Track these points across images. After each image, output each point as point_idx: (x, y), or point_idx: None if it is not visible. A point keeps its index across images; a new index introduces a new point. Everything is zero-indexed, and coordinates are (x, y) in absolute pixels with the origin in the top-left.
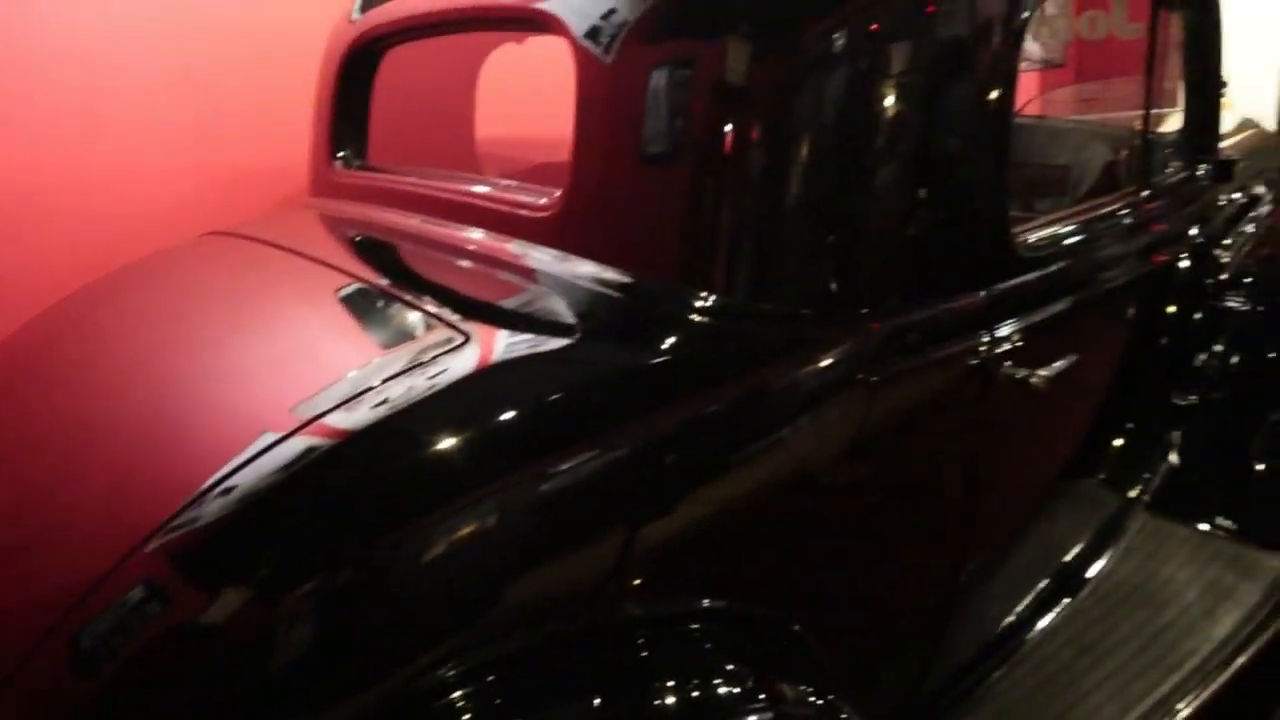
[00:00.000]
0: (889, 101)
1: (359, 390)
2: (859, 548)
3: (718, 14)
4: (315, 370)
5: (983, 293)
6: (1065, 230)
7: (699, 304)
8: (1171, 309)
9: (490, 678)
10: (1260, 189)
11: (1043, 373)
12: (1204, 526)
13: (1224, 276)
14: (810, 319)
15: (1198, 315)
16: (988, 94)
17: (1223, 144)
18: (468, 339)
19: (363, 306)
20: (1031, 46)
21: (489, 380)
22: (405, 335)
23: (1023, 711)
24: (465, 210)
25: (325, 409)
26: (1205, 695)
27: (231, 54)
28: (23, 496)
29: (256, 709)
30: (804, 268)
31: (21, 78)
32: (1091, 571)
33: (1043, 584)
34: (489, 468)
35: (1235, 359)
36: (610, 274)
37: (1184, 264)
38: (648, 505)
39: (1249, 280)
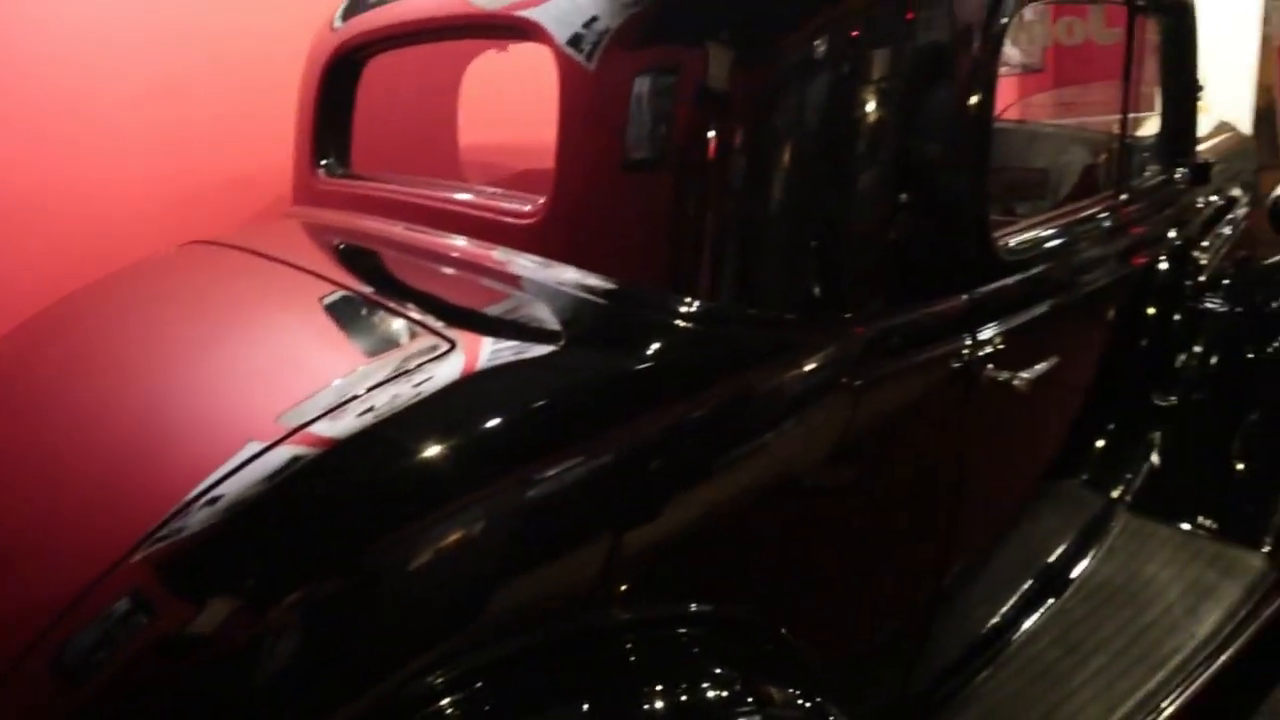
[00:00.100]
0: (870, 107)
1: (344, 398)
2: (845, 550)
3: (700, 21)
4: (300, 379)
5: (964, 296)
6: (1045, 234)
7: (683, 309)
8: (1151, 311)
9: (479, 684)
10: (1236, 191)
11: (1025, 375)
12: (1185, 526)
13: (1202, 278)
14: (794, 323)
15: (1177, 317)
16: (968, 99)
17: (1199, 147)
18: (453, 346)
19: (347, 314)
20: (1010, 51)
21: (474, 387)
22: (390, 343)
23: (1009, 711)
24: (449, 217)
25: (311, 418)
26: (1189, 692)
27: (213, 62)
28: (7, 507)
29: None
30: (787, 272)
31: (2, 84)
32: (1075, 571)
33: (1027, 584)
34: (475, 474)
35: (1214, 360)
36: (595, 280)
37: (1163, 266)
38: (634, 510)
39: (1226, 282)
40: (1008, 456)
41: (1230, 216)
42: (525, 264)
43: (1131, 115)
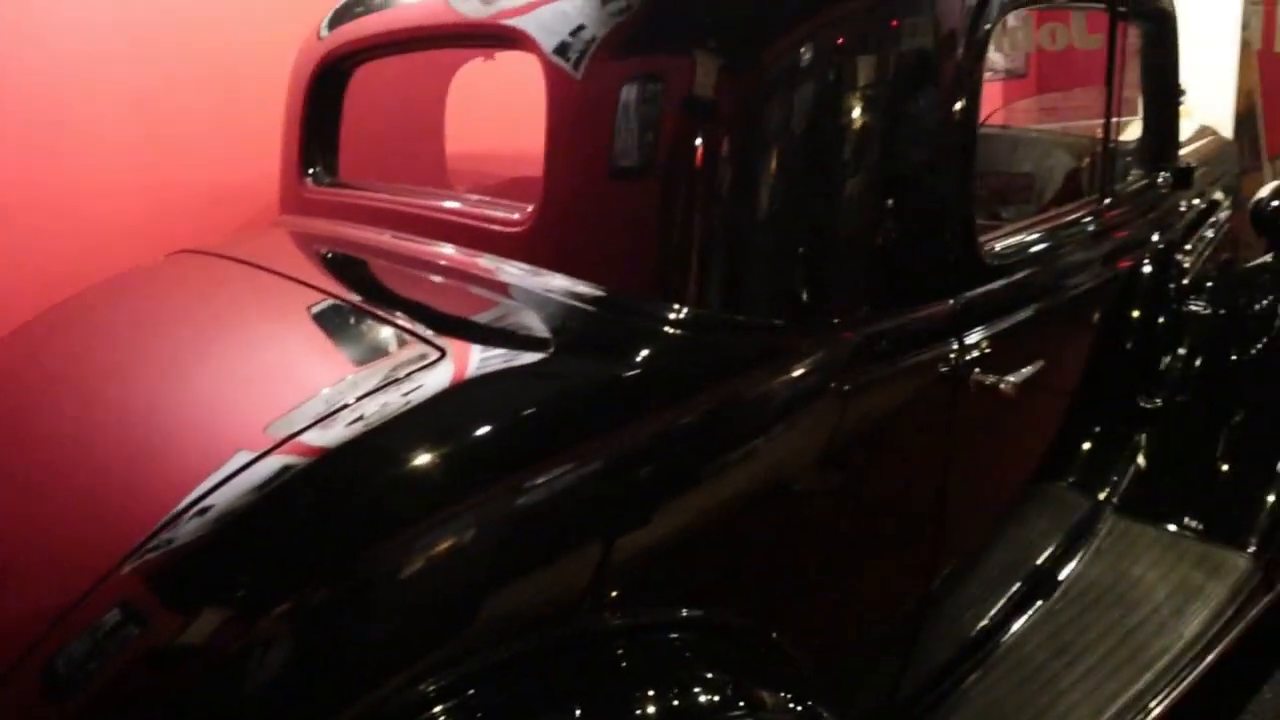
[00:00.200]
0: (856, 113)
1: (334, 407)
2: (834, 555)
3: (686, 29)
4: (290, 388)
5: (951, 301)
6: (1031, 238)
7: (672, 316)
8: (1135, 314)
9: (471, 691)
10: (1218, 195)
11: (1011, 378)
12: (1172, 527)
13: (1185, 281)
14: (782, 329)
15: (1161, 320)
16: (953, 104)
17: (1182, 151)
18: (443, 354)
19: (336, 323)
20: (995, 57)
21: (464, 395)
22: (379, 351)
23: (999, 713)
24: (437, 226)
25: (300, 427)
26: (1177, 692)
27: (199, 70)
28: None
29: None
30: (775, 278)
31: None
32: (1063, 573)
33: (1016, 587)
34: (466, 482)
35: (1198, 362)
36: (583, 287)
37: (1146, 270)
38: (625, 516)
39: (1210, 284)
40: (995, 460)
41: (1213, 220)
42: (514, 271)
43: (1114, 120)
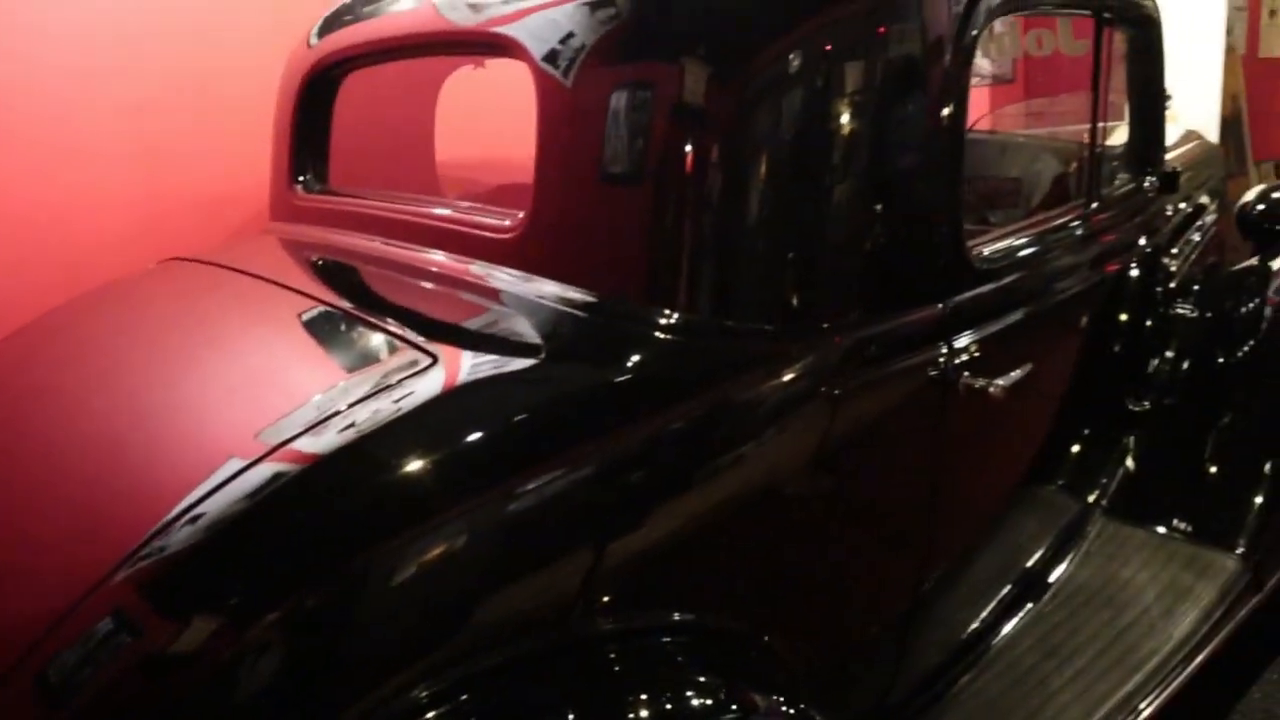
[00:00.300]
0: (844, 119)
1: (326, 414)
2: (826, 558)
3: (675, 36)
4: (281, 395)
5: (940, 305)
6: (1019, 242)
7: (663, 321)
8: (1123, 317)
9: (464, 696)
10: (1205, 199)
11: (1000, 382)
12: (1161, 529)
13: (1172, 285)
14: (772, 334)
15: (1148, 323)
16: (940, 110)
17: (1168, 156)
18: (434, 361)
19: (327, 330)
20: (982, 63)
21: (456, 402)
22: (371, 358)
23: (991, 715)
24: (428, 233)
25: (292, 434)
26: (1167, 693)
27: (190, 78)
28: None
29: None
30: (765, 284)
31: None
32: (1053, 575)
33: (1006, 589)
34: (458, 488)
35: (1185, 364)
36: (574, 293)
37: (1134, 273)
38: (617, 521)
39: (1196, 288)
40: (985, 463)
41: (1199, 223)
42: (505, 278)
43: (1101, 125)
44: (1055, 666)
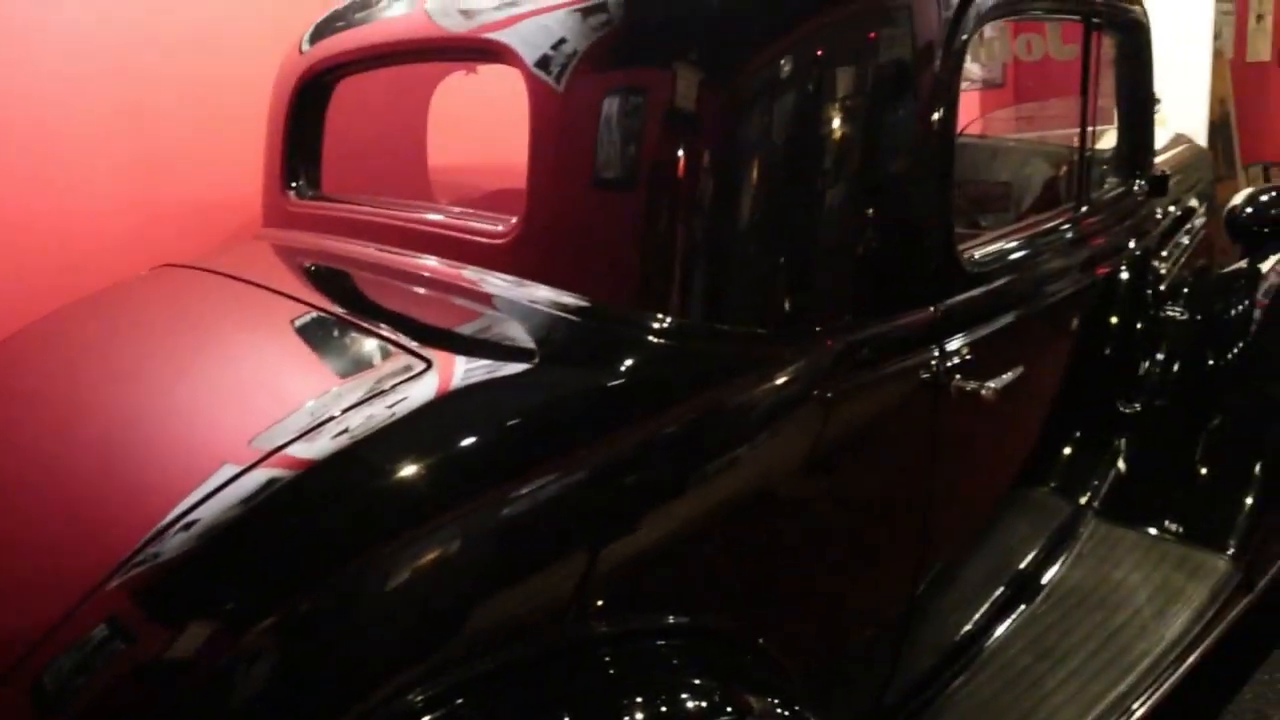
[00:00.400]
0: (836, 124)
1: (320, 420)
2: (819, 561)
3: (667, 42)
4: (275, 401)
5: (932, 308)
6: (1009, 246)
7: (656, 325)
8: (1113, 320)
9: (459, 700)
10: (1194, 202)
11: (992, 384)
12: (1152, 530)
13: (1162, 287)
14: (765, 337)
15: (1139, 325)
16: (931, 114)
17: (1157, 159)
18: (429, 366)
19: (321, 336)
20: (972, 67)
21: (450, 406)
22: (365, 363)
23: (985, 716)
24: (421, 238)
25: (286, 440)
26: (1159, 693)
27: (182, 85)
28: None
29: None
30: (757, 288)
31: None
32: (1046, 578)
33: (999, 591)
34: (452, 493)
35: (1176, 366)
36: (568, 298)
37: (1124, 276)
38: (611, 525)
39: (1186, 290)
40: (977, 465)
41: (1188, 226)
42: (498, 283)
43: (1090, 129)
44: (1049, 668)
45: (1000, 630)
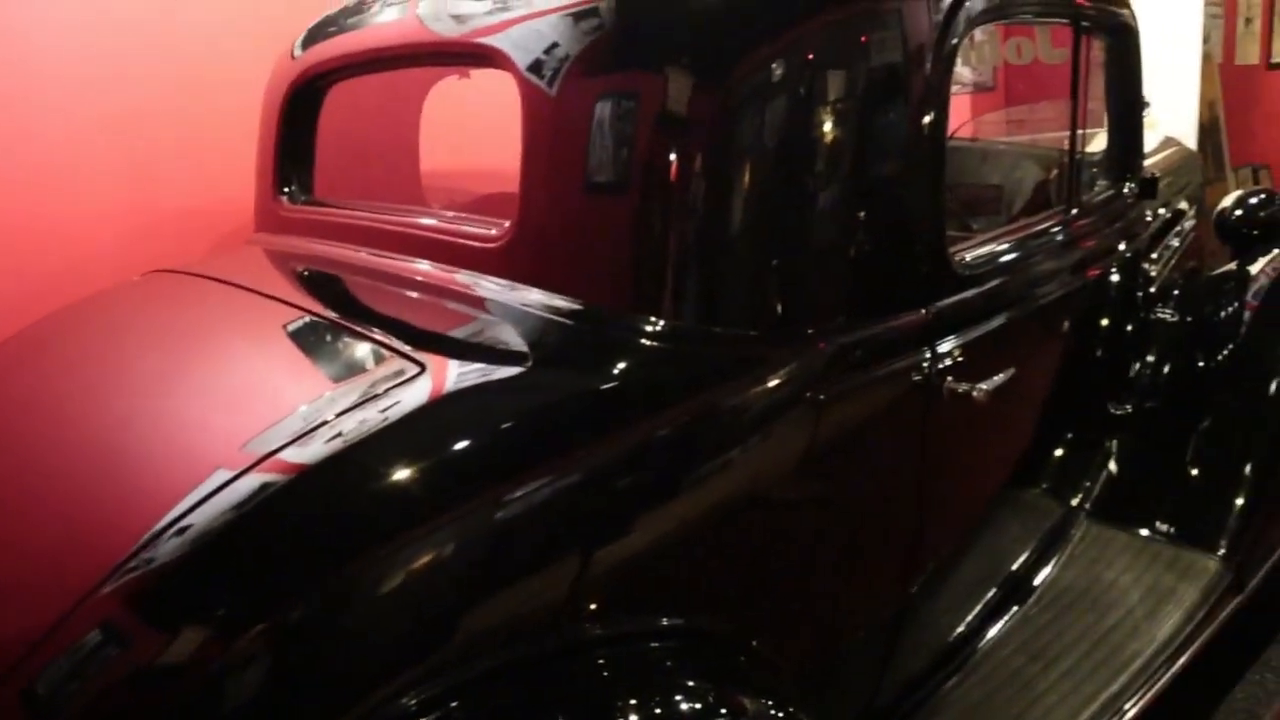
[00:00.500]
0: (827, 127)
1: (313, 424)
2: (812, 563)
3: (658, 46)
4: (268, 405)
5: (923, 310)
6: (1001, 248)
7: (648, 328)
8: (1104, 322)
9: (454, 703)
10: (1183, 204)
11: (983, 386)
12: (1144, 531)
13: (1152, 289)
14: (757, 340)
15: (1129, 327)
16: (922, 118)
17: (1146, 162)
18: (422, 369)
19: (314, 340)
20: (963, 71)
21: (443, 410)
22: (358, 367)
23: (977, 717)
24: (413, 242)
25: (279, 444)
26: (1151, 693)
27: (173, 90)
28: None
29: None
30: (750, 290)
31: None
32: (1038, 579)
33: (991, 593)
34: (446, 497)
35: (1166, 368)
36: (560, 302)
37: (1114, 278)
38: (605, 528)
39: (1176, 292)
40: (969, 467)
41: (1178, 229)
42: (491, 287)
43: (1080, 132)
44: (1041, 669)
45: (992, 631)
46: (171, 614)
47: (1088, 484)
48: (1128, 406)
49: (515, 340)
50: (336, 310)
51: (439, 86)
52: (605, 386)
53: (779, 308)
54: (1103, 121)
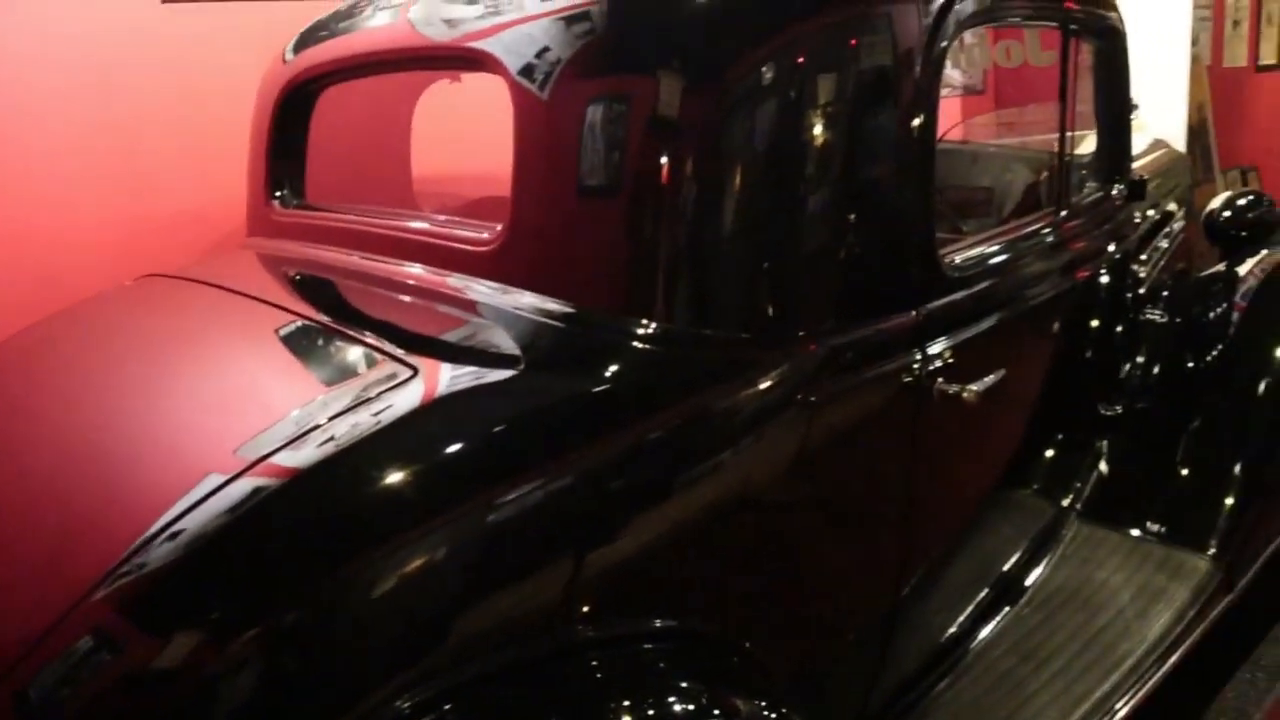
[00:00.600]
0: (817, 130)
1: (305, 428)
2: (804, 564)
3: (649, 49)
4: (260, 410)
5: (914, 312)
6: (990, 250)
7: (640, 331)
8: (1094, 323)
9: (447, 706)
10: (1172, 206)
11: (974, 388)
12: (1134, 531)
13: (1142, 291)
14: (749, 343)
15: (1119, 328)
16: (912, 120)
17: (1136, 164)
18: (414, 373)
19: (306, 344)
20: (952, 74)
21: (436, 414)
22: (350, 371)
23: (970, 718)
24: (406, 246)
25: (272, 449)
26: (1142, 693)
27: (165, 95)
28: None
29: None
30: (741, 293)
31: None
32: (1029, 579)
33: (983, 594)
34: (438, 500)
35: (1156, 369)
36: (552, 305)
37: (1104, 279)
38: (597, 530)
39: (1165, 293)
40: (960, 468)
41: (1167, 230)
42: (483, 290)
43: (1070, 134)
44: (1032, 669)
45: (984, 632)
46: (165, 618)
47: (1078, 484)
48: (1118, 407)
49: (507, 343)
50: (329, 314)
51: (431, 90)
52: (597, 389)
53: (770, 310)
54: (1092, 124)
